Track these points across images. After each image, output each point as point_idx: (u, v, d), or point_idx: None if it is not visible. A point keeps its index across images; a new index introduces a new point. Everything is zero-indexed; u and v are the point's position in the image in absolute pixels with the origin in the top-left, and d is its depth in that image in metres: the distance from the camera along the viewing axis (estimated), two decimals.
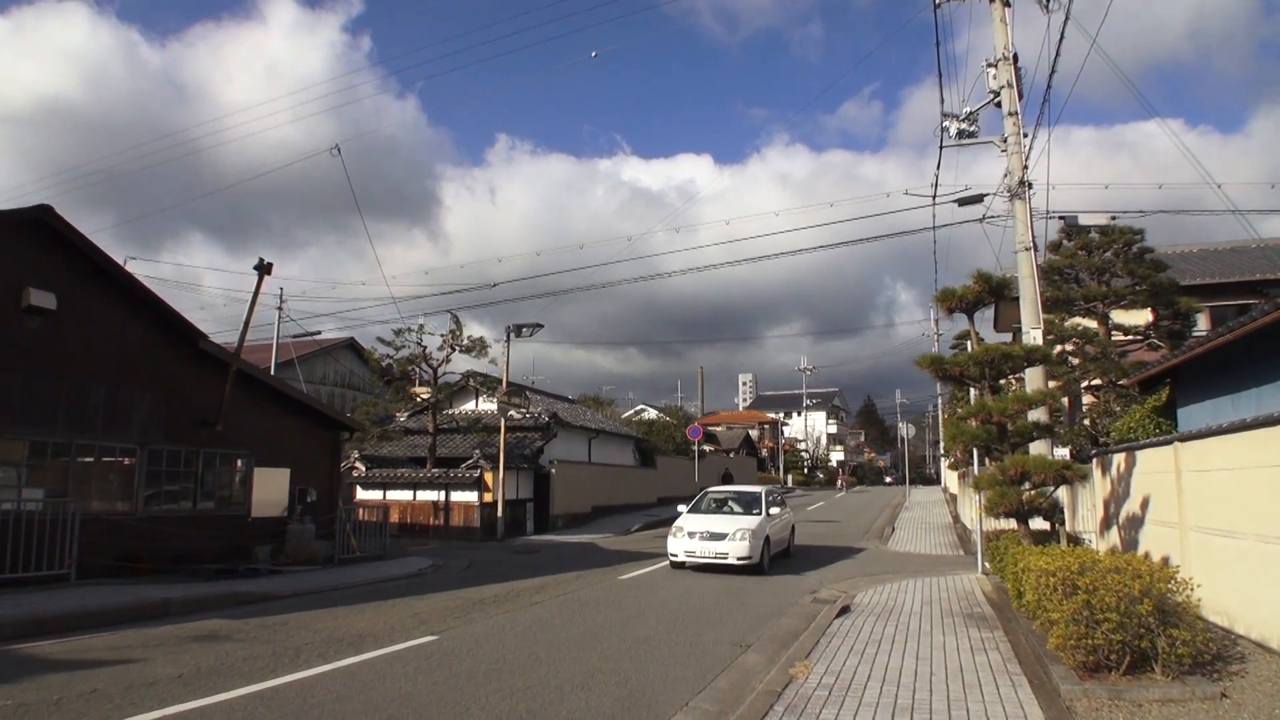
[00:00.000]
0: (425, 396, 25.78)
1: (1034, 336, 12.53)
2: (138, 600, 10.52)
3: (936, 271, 17.67)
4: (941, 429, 43.14)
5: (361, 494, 25.06)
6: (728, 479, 43.68)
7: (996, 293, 10.69)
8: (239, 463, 15.97)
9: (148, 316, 14.25)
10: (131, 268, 15.19)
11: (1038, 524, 10.72)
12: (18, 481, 12.39)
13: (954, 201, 14.50)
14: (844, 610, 10.09)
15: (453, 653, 8.04)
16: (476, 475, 23.20)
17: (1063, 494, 10.41)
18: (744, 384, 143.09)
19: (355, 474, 25.05)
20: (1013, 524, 10.70)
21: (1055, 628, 5.99)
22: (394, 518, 24.23)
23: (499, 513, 22.58)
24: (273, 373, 25.30)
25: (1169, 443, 8.69)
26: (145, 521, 13.84)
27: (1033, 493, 9.39)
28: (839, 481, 47.98)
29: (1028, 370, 12.30)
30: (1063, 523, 10.04)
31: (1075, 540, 9.90)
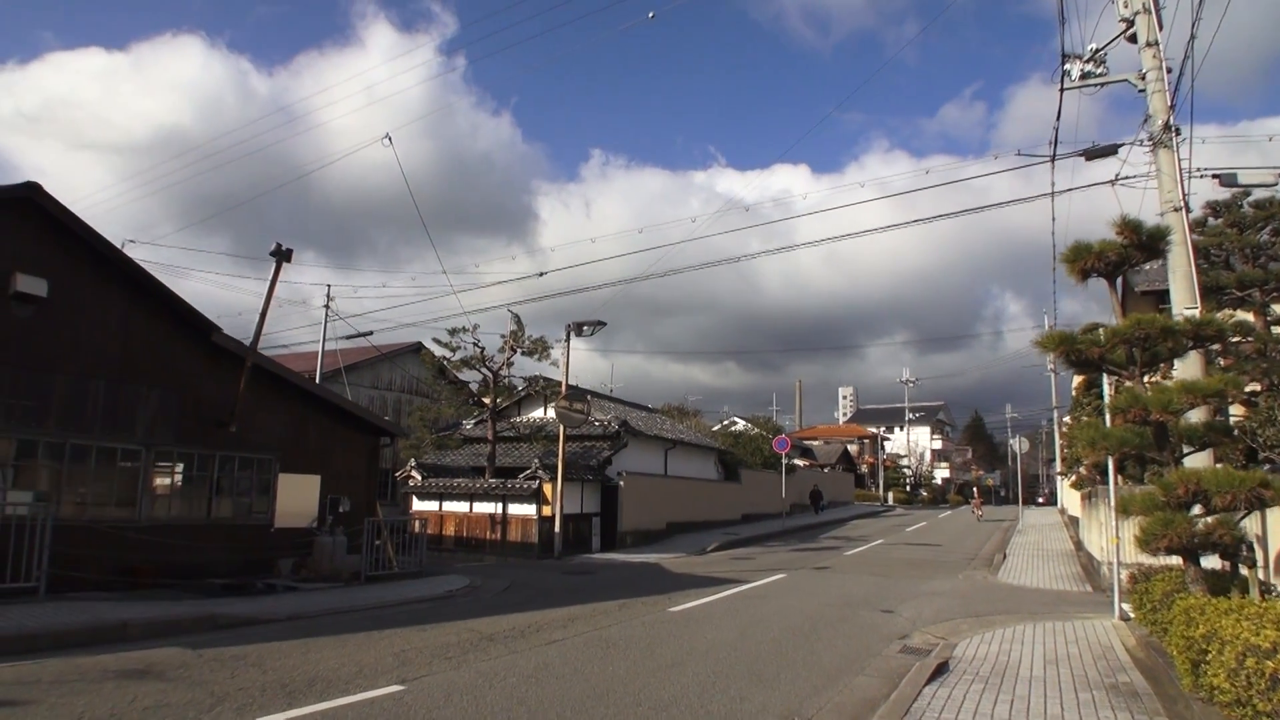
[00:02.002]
0: (490, 401, 24.24)
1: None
2: (93, 621, 9.06)
3: (1054, 245, 14.74)
4: (1057, 440, 38.81)
5: (417, 505, 23.70)
6: (815, 496, 40.56)
7: (1148, 248, 8.00)
8: (261, 468, 14.62)
9: (154, 307, 13.05)
10: (131, 252, 13.95)
11: (1211, 562, 7.96)
12: (3, 483, 11.25)
13: (1079, 155, 11.76)
14: (940, 669, 7.63)
15: (406, 713, 6.10)
16: (534, 487, 21.42)
17: (1250, 524, 7.67)
18: (844, 397, 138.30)
19: (411, 483, 23.71)
20: (1170, 559, 8.01)
21: None
22: (450, 530, 22.79)
23: (556, 528, 20.70)
24: (317, 379, 24.32)
25: None
26: (148, 531, 12.56)
27: (1211, 521, 6.74)
28: (974, 508, 40.79)
29: (1178, 363, 9.52)
30: (1252, 564, 7.30)
31: (1267, 589, 7.16)
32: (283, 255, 13.59)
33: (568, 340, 21.85)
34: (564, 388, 22.35)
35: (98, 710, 6.18)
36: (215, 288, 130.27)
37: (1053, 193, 13.43)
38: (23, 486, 11.41)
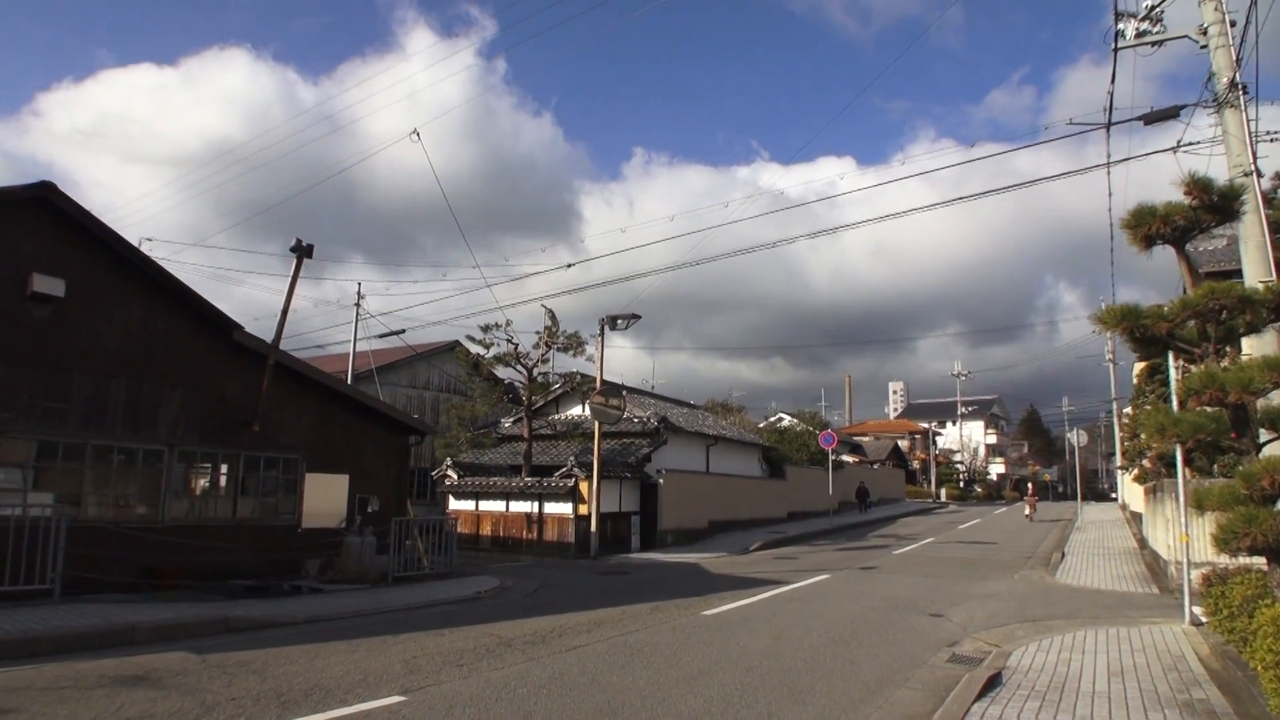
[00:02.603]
0: (526, 398, 23.88)
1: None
2: (101, 624, 8.80)
3: (1111, 220, 13.74)
4: (1117, 433, 36.99)
5: (454, 504, 23.43)
6: (862, 494, 39.35)
7: (1220, 210, 7.13)
8: (287, 467, 14.38)
9: (174, 306, 12.86)
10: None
11: None
12: (24, 484, 11.14)
13: (1138, 120, 10.83)
14: (992, 682, 6.92)
15: None
16: (570, 485, 20.97)
17: None
18: (894, 392, 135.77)
19: (448, 482, 23.45)
20: (1251, 560, 7.16)
21: None
22: (486, 530, 22.48)
23: (592, 526, 20.22)
24: (349, 379, 24.20)
25: None
26: (171, 532, 12.38)
27: None
28: (1026, 506, 36.04)
29: (1248, 342, 8.60)
30: None
31: None
32: (303, 251, 13.32)
33: (602, 335, 21.35)
34: (599, 383, 21.85)
35: (80, 719, 5.86)
36: (268, 293, 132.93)
37: (1108, 163, 12.49)
38: (44, 488, 11.28)
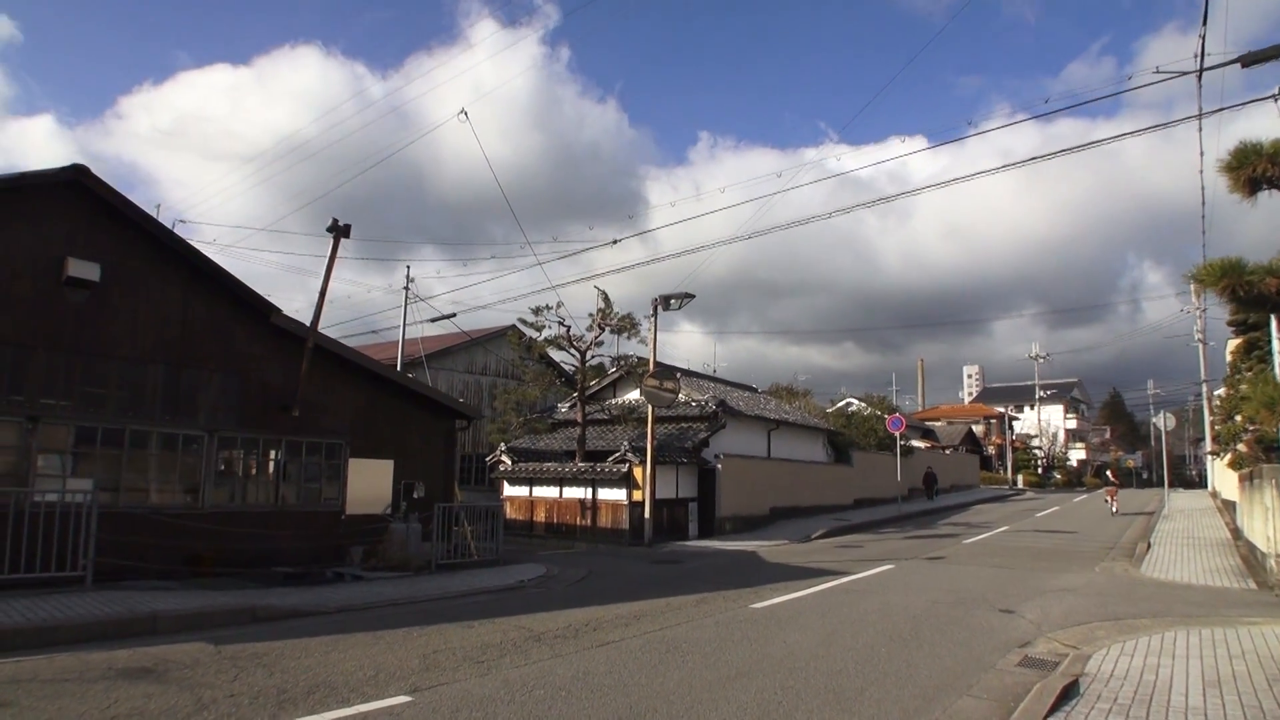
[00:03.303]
0: (579, 381, 23.43)
1: None
2: (123, 614, 8.59)
3: (1202, 176, 12.38)
4: (1207, 416, 34.31)
5: (508, 490, 23.16)
6: (929, 480, 37.63)
7: None
8: (331, 453, 14.17)
9: (212, 290, 12.70)
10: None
11: None
12: (62, 470, 11.10)
13: (1234, 63, 9.56)
14: (1068, 692, 6.06)
15: None
16: (624, 470, 20.41)
17: None
18: (969, 376, 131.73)
19: (501, 468, 23.18)
20: None
21: None
22: (540, 516, 22.15)
23: (646, 513, 19.63)
24: (398, 367, 24.05)
25: None
26: (211, 519, 12.25)
27: None
28: (1106, 496, 30.69)
29: None
30: None
31: None
32: (340, 231, 13.03)
33: (655, 315, 20.69)
34: (651, 365, 21.22)
35: (67, 715, 5.53)
36: (341, 283, 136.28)
37: (1199, 114, 11.16)
38: (83, 474, 11.23)
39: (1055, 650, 7.81)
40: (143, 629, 8.36)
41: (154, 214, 12.41)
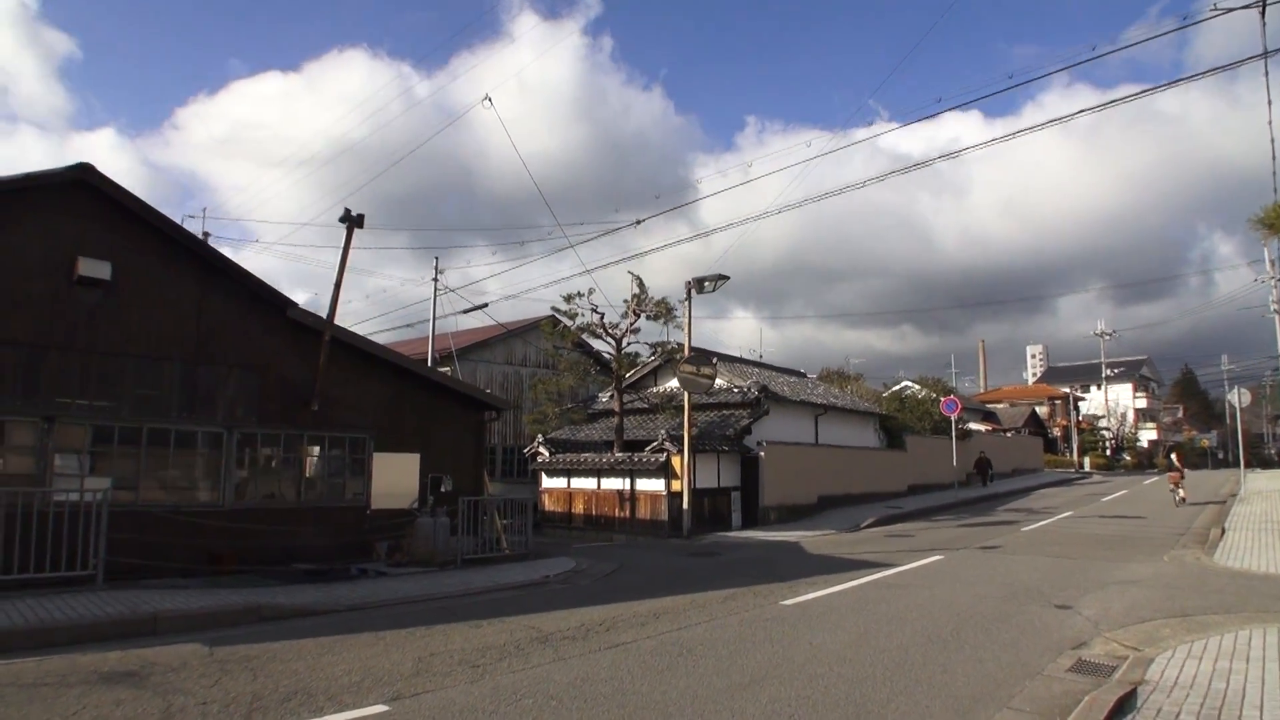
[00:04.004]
0: (615, 369, 22.93)
1: None
2: (125, 614, 8.38)
3: (1271, 130, 11.20)
4: None
5: (546, 482, 22.83)
6: (982, 465, 35.91)
7: None
8: (354, 447, 13.94)
9: (227, 285, 12.51)
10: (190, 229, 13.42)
11: None
12: (80, 470, 11.02)
13: None
14: (1124, 703, 5.33)
15: None
16: (661, 460, 19.86)
17: None
18: (1032, 356, 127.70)
19: (539, 460, 22.84)
20: None
21: None
22: (579, 508, 21.75)
23: (684, 504, 19.05)
24: (429, 360, 23.86)
25: None
26: (233, 516, 12.10)
27: None
28: (1172, 485, 24.48)
29: None
30: None
31: None
32: (353, 221, 12.70)
33: (689, 298, 20.05)
34: (686, 350, 20.59)
35: None
36: (396, 283, 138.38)
37: (1265, 54, 10.08)
38: (101, 473, 11.14)
39: (1113, 652, 7.03)
40: (143, 630, 8.13)
41: (201, 217, 12.25)
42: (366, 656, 7.17)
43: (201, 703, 5.76)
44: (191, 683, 6.30)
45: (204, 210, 31.74)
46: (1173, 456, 25.61)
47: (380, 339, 32.81)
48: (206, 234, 28.28)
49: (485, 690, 6.04)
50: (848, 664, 6.80)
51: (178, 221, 12.32)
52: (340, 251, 12.73)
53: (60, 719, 5.39)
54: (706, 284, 19.28)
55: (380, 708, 5.62)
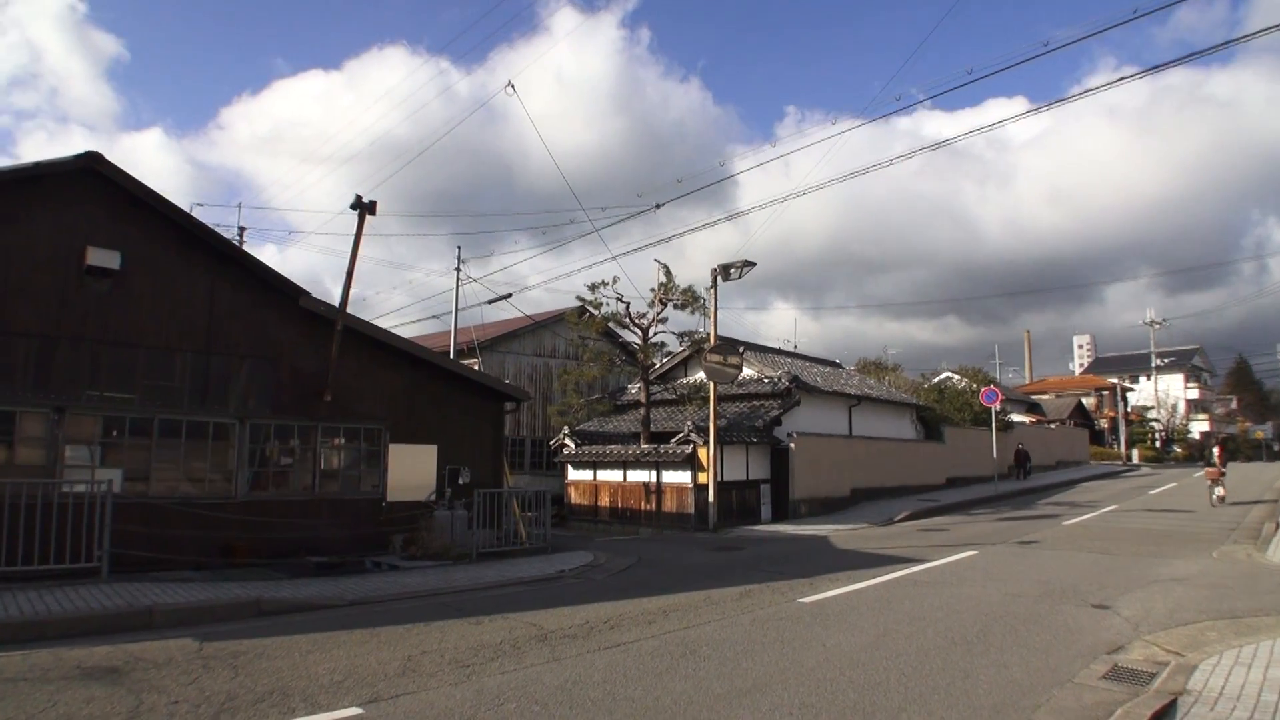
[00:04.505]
0: (642, 359, 22.55)
1: None
2: (121, 607, 8.24)
3: None
4: None
5: (572, 474, 22.55)
6: (1021, 457, 34.81)
7: None
8: (370, 438, 13.76)
9: (238, 275, 12.38)
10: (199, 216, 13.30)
11: None
12: (90, 461, 10.96)
13: None
14: (1163, 714, 4.82)
15: None
16: (687, 452, 19.44)
17: None
18: (1079, 346, 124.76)
19: (565, 452, 22.56)
20: None
21: None
22: (605, 501, 21.45)
23: (710, 497, 18.62)
24: (451, 348, 23.66)
25: None
26: (245, 508, 11.98)
27: None
28: (1207, 477, 22.07)
29: None
30: None
31: None
32: (364, 208, 12.47)
33: (715, 286, 19.54)
34: (712, 339, 20.12)
35: None
36: (436, 276, 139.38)
37: None
38: (111, 464, 11.07)
39: (1153, 658, 6.49)
40: (137, 623, 7.97)
41: (237, 212, 12.22)
42: (355, 654, 6.91)
43: (172, 701, 5.53)
44: (170, 680, 6.08)
45: (238, 205, 32.08)
46: (1214, 450, 22.24)
47: (415, 330, 32.87)
48: (242, 229, 28.53)
49: (468, 693, 5.72)
50: (860, 668, 6.35)
51: (213, 223, 12.22)
52: (352, 239, 12.51)
53: (26, 717, 5.19)
54: (733, 271, 18.78)
55: (354, 710, 5.33)
